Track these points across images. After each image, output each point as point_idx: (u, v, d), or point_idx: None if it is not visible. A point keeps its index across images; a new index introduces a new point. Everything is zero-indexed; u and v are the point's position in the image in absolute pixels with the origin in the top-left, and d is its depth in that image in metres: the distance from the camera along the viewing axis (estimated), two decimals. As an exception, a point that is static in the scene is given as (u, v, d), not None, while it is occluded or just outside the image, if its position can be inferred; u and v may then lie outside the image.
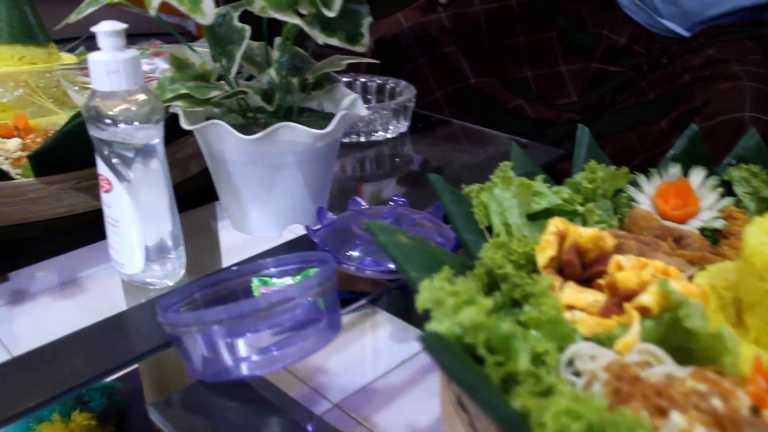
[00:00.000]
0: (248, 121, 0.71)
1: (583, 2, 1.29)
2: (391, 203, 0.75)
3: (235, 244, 0.73)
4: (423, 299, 0.41)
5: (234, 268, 0.59)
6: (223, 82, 0.70)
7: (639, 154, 1.08)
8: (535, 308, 0.42)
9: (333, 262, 0.53)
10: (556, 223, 0.49)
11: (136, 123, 0.57)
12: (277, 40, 0.75)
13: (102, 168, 0.59)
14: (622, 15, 1.23)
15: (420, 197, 0.78)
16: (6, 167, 0.74)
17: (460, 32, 1.31)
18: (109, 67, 0.55)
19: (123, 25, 0.56)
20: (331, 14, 0.58)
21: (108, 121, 0.56)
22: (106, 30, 0.55)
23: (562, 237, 0.48)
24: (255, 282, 0.59)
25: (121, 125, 0.56)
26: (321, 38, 0.60)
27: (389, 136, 1.01)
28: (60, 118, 0.82)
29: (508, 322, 0.39)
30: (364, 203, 0.75)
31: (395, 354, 0.61)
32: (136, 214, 0.59)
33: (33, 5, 0.86)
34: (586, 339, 0.39)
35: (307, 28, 0.59)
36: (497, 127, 1.10)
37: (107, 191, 0.60)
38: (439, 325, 0.39)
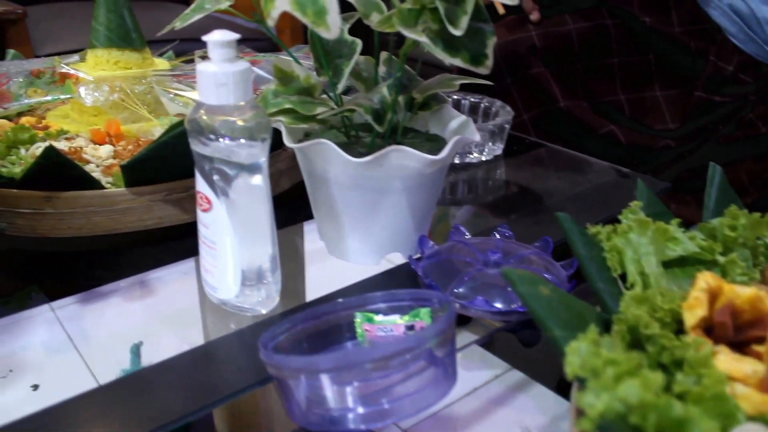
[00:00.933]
0: (351, 140, 0.66)
1: (687, 25, 1.20)
2: (496, 234, 0.69)
3: (330, 270, 0.68)
4: (573, 365, 0.36)
5: (340, 300, 0.53)
6: (325, 96, 0.65)
7: (750, 192, 1.00)
8: (692, 378, 0.36)
9: (453, 306, 0.48)
10: (706, 279, 0.42)
11: (242, 140, 0.52)
12: (383, 55, 0.70)
13: (201, 185, 0.55)
14: (730, 43, 1.15)
15: (521, 227, 0.72)
16: (97, 175, 0.70)
17: (551, 52, 1.24)
18: (218, 79, 0.51)
19: (235, 36, 0.51)
20: (457, 32, 0.53)
21: (212, 136, 0.52)
22: (218, 40, 0.50)
23: (713, 294, 0.42)
24: (358, 317, 0.54)
25: (226, 141, 0.52)
26: (444, 57, 0.54)
27: (484, 158, 0.95)
28: (151, 126, 0.78)
29: (681, 403, 0.33)
30: (467, 233, 0.69)
31: (466, 381, 0.55)
32: (236, 236, 0.55)
33: (131, 9, 0.83)
34: (751, 418, 0.34)
35: (430, 47, 0.53)
36: (586, 152, 1.03)
37: (206, 210, 0.55)
38: (596, 400, 0.33)
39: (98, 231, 0.69)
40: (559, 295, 0.42)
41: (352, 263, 0.67)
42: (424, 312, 0.53)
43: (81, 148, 0.73)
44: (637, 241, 0.50)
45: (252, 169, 0.54)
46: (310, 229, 0.75)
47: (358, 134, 0.67)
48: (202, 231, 0.57)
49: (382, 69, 0.70)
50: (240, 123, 0.52)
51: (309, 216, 0.70)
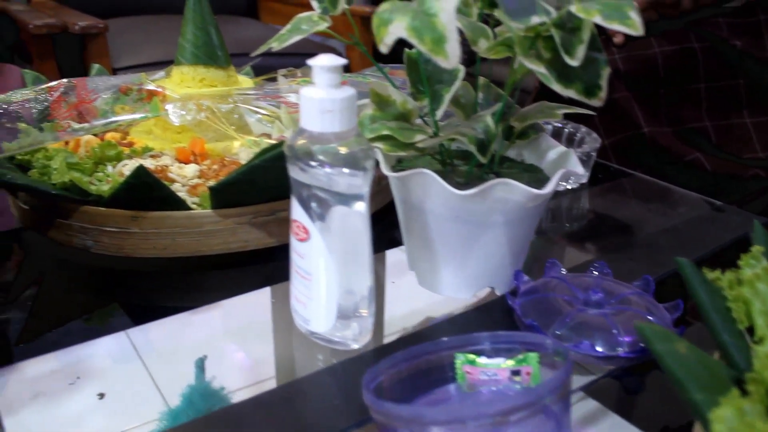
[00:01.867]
0: (446, 168, 0.64)
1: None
2: (594, 271, 0.66)
3: (419, 302, 0.65)
4: (722, 436, 0.33)
5: (444, 339, 0.51)
6: (420, 122, 0.63)
7: None
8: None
9: (571, 355, 0.45)
10: None
11: (344, 169, 0.50)
12: (480, 81, 0.68)
13: (299, 214, 0.53)
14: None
15: (616, 263, 0.68)
16: (183, 194, 0.69)
17: (635, 76, 1.20)
18: (324, 106, 0.49)
19: (342, 61, 0.49)
20: (574, 63, 0.50)
21: (313, 163, 0.50)
22: (324, 65, 0.49)
23: None
24: (460, 358, 0.51)
25: (328, 170, 0.50)
26: (558, 88, 0.51)
27: (569, 186, 0.91)
28: (236, 145, 0.77)
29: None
30: (563, 268, 0.66)
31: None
32: (333, 268, 0.53)
33: (218, 27, 0.82)
34: None
35: (545, 77, 0.51)
36: (670, 180, 0.99)
37: (302, 240, 0.53)
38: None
39: (182, 252, 0.68)
40: (696, 353, 0.39)
41: (443, 296, 0.64)
42: (532, 357, 0.50)
43: (167, 166, 0.72)
44: (766, 292, 0.46)
45: (353, 199, 0.52)
46: (395, 259, 0.73)
47: (453, 162, 0.65)
48: (296, 260, 0.55)
49: (480, 96, 0.67)
50: (343, 151, 0.50)
51: (392, 243, 0.68)
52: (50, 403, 0.51)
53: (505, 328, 0.60)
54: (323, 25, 0.60)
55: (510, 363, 0.50)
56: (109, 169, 0.72)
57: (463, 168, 0.64)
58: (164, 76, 0.84)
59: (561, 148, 0.65)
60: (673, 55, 1.19)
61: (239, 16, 2.17)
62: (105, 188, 0.67)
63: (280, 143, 0.63)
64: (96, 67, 0.98)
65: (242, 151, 0.77)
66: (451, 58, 0.45)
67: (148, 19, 2.02)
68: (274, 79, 0.91)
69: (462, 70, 0.60)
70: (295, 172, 0.52)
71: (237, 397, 0.51)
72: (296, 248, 0.54)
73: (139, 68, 1.66)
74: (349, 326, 0.55)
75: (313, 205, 0.52)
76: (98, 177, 0.71)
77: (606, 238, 0.82)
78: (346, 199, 0.51)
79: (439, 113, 0.60)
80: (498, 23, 0.58)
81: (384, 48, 0.46)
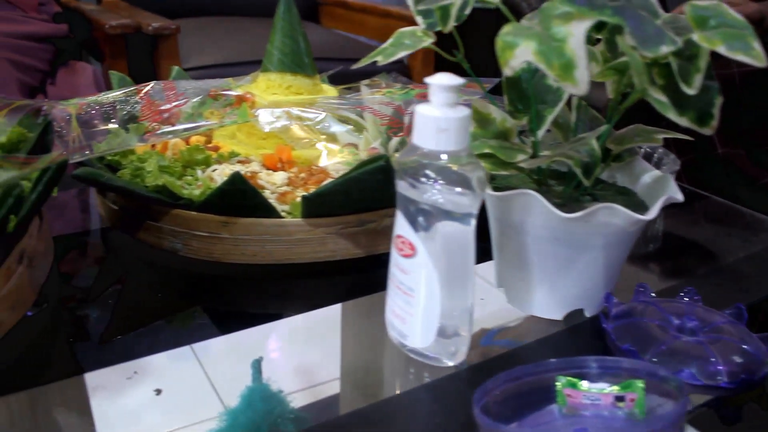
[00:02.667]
0: (542, 188, 0.64)
1: None
2: (684, 297, 0.66)
3: (505, 320, 0.65)
4: None
5: (551, 361, 0.51)
6: (518, 141, 0.63)
7: None
8: None
9: (686, 388, 0.45)
10: None
11: (457, 188, 0.50)
12: (574, 102, 0.68)
13: (405, 229, 0.54)
14: None
15: (704, 289, 0.67)
16: (272, 202, 0.70)
17: (710, 95, 1.19)
18: (440, 124, 0.50)
19: (460, 80, 0.50)
20: (691, 91, 0.50)
21: (425, 180, 0.51)
22: (442, 84, 0.49)
23: None
24: (561, 380, 0.52)
25: (440, 188, 0.50)
26: (672, 116, 0.52)
27: (648, 208, 0.91)
28: (322, 153, 0.78)
29: None
30: (652, 292, 0.66)
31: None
32: (438, 286, 0.53)
33: (305, 35, 0.83)
34: None
35: (662, 104, 0.51)
36: (742, 202, 0.98)
37: (407, 256, 0.54)
38: None
39: (271, 260, 0.69)
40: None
41: (533, 315, 0.65)
42: (638, 384, 0.50)
43: (256, 173, 0.73)
44: None
45: (462, 217, 0.52)
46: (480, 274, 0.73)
47: (547, 182, 0.65)
48: (398, 276, 0.56)
49: (573, 116, 0.68)
50: (456, 170, 0.50)
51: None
52: (108, 397, 0.52)
53: (596, 351, 0.61)
54: (428, 41, 0.60)
55: (615, 389, 0.50)
56: (199, 173, 0.73)
57: (558, 188, 0.65)
58: (250, 81, 0.86)
59: (656, 173, 0.65)
60: (752, 75, 1.18)
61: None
62: (196, 192, 0.68)
63: (380, 157, 0.64)
64: (175, 69, 1.00)
65: (329, 160, 0.78)
66: (580, 84, 0.45)
67: (215, 20, 2.05)
68: (354, 89, 0.92)
69: (567, 92, 0.60)
70: (403, 188, 0.53)
71: (297, 401, 0.51)
72: (399, 263, 0.55)
73: (206, 69, 1.69)
74: (446, 344, 0.56)
75: (421, 221, 0.53)
76: (188, 180, 0.72)
77: (688, 263, 0.82)
78: (455, 217, 0.52)
79: (541, 133, 0.61)
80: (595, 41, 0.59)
81: (509, 71, 0.47)
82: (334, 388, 0.55)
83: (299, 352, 0.60)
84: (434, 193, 0.51)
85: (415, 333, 0.56)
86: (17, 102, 0.72)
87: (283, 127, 0.75)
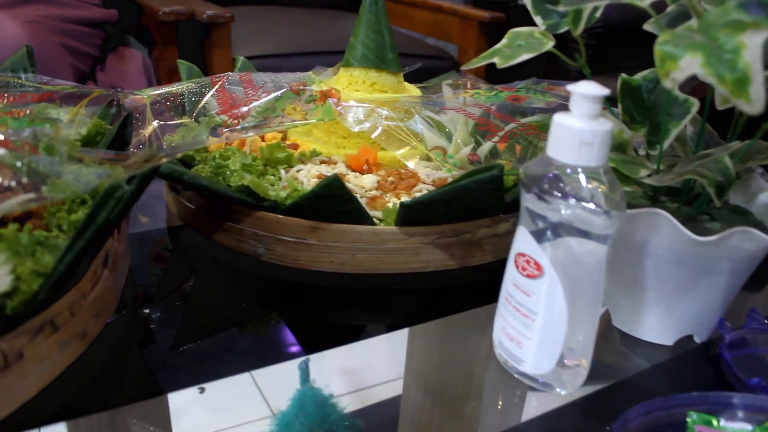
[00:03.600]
0: (656, 205, 0.60)
1: None
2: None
3: (609, 342, 0.62)
4: None
5: (694, 394, 0.47)
6: (636, 155, 0.60)
7: None
8: None
9: None
10: None
11: (596, 207, 0.47)
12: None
13: (530, 247, 0.50)
14: None
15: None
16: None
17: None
18: (584, 137, 0.46)
19: (606, 91, 0.46)
20: None
21: (559, 196, 0.47)
22: (587, 93, 0.46)
23: None
24: (693, 416, 0.48)
25: (577, 206, 0.47)
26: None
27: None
28: (411, 153, 0.75)
29: None
30: (766, 318, 0.62)
31: None
32: (567, 311, 0.49)
33: (390, 29, 0.79)
34: None
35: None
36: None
37: (532, 276, 0.50)
38: None
39: (360, 269, 0.65)
40: None
41: (640, 338, 0.61)
42: (790, 430, 0.46)
43: (344, 175, 0.70)
44: None
45: (597, 239, 0.48)
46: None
47: (660, 198, 0.62)
48: (517, 296, 0.52)
49: (690, 130, 0.64)
50: (597, 188, 0.47)
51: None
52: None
53: (711, 381, 0.57)
54: (549, 44, 0.56)
55: (757, 430, 0.47)
56: (282, 173, 0.70)
57: (672, 205, 0.61)
58: (330, 75, 0.82)
59: (771, 192, 0.62)
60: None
61: (342, 11, 2.16)
62: (283, 194, 0.64)
63: (494, 166, 0.60)
64: (241, 59, 0.96)
65: (416, 163, 0.75)
66: (755, 102, 0.41)
67: (267, 9, 2.01)
68: (434, 88, 0.88)
69: (695, 104, 0.56)
70: (530, 202, 0.49)
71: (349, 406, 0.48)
72: (520, 283, 0.51)
73: (258, 59, 1.65)
74: (564, 372, 0.52)
75: (549, 239, 0.49)
76: (270, 181, 0.68)
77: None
78: (590, 238, 0.48)
79: (664, 147, 0.57)
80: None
81: (670, 83, 0.43)
82: (426, 411, 0.52)
83: (389, 370, 0.57)
84: (570, 211, 0.47)
85: (532, 358, 0.52)
86: (97, 91, 0.68)
87: (372, 127, 0.71)
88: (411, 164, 0.74)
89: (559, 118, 0.47)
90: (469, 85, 0.84)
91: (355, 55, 0.79)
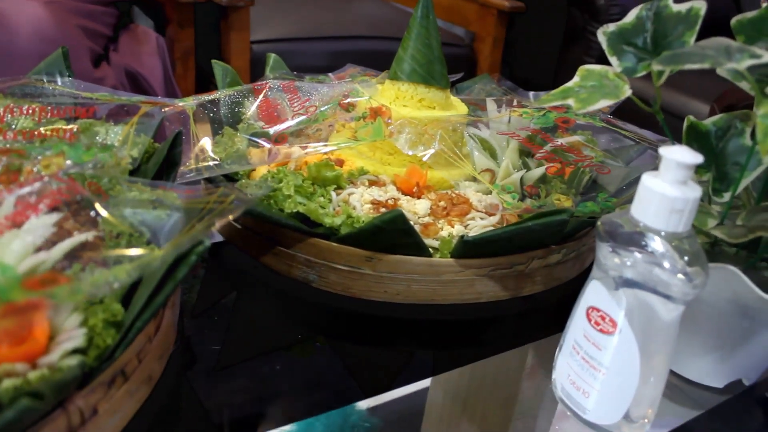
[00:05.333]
0: (715, 249, 0.61)
1: None
2: None
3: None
4: None
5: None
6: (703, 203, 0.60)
7: None
8: None
9: None
10: None
11: (684, 275, 0.47)
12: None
13: (605, 303, 0.51)
14: None
15: None
16: (414, 236, 0.67)
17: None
18: (675, 205, 0.46)
19: (699, 159, 0.46)
20: None
21: (642, 257, 0.48)
22: (681, 160, 0.46)
23: None
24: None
25: (661, 270, 0.47)
26: None
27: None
28: (459, 174, 0.75)
29: None
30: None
31: None
32: (639, 368, 0.51)
33: (440, 41, 0.79)
34: None
35: None
36: None
37: (606, 332, 0.51)
38: None
39: (414, 300, 0.66)
40: None
41: (693, 380, 0.62)
42: None
43: (397, 200, 0.70)
44: None
45: (675, 301, 0.49)
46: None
47: (718, 242, 0.63)
48: (587, 348, 0.53)
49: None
50: (684, 255, 0.47)
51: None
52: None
53: (761, 423, 0.59)
54: (626, 92, 0.56)
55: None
56: (333, 196, 0.69)
57: (728, 250, 0.62)
58: (374, 86, 0.81)
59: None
60: None
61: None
62: (338, 221, 0.65)
63: (563, 210, 0.60)
64: (273, 57, 0.95)
65: (465, 186, 0.75)
66: None
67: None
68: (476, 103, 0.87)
69: (770, 158, 0.57)
70: (608, 257, 0.50)
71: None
72: (591, 337, 0.52)
73: (274, 43, 1.62)
74: (629, 425, 0.54)
75: (627, 298, 0.50)
76: (321, 203, 0.68)
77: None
78: (668, 301, 0.49)
79: (729, 197, 0.58)
80: None
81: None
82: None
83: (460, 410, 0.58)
84: (653, 274, 0.48)
85: (597, 409, 0.54)
86: (145, 106, 0.67)
87: (429, 150, 0.71)
88: (466, 188, 0.75)
89: (649, 182, 0.47)
90: (515, 102, 0.84)
91: (404, 69, 0.78)
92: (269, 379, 0.57)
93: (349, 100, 0.75)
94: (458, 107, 0.82)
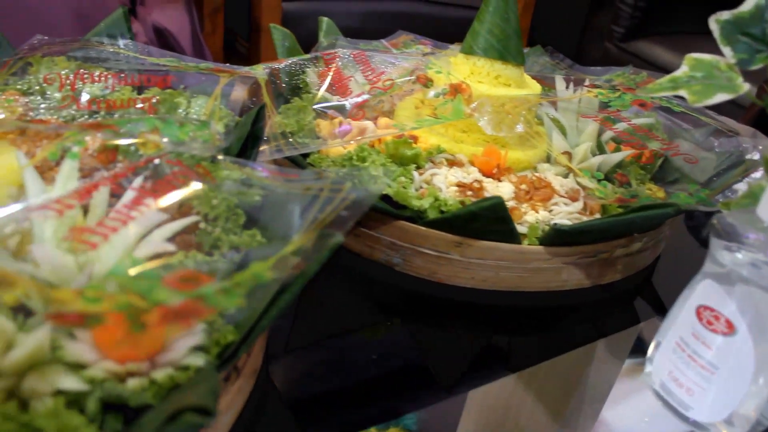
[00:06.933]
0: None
1: None
2: None
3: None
4: None
5: None
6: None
7: None
8: None
9: None
10: None
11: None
12: None
13: (721, 303, 0.51)
14: None
15: None
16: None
17: None
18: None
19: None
20: None
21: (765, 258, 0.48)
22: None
23: None
24: None
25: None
26: None
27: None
28: (535, 155, 0.74)
29: None
30: None
31: None
32: (752, 371, 0.51)
33: (518, 17, 0.77)
34: None
35: None
36: None
37: (719, 332, 0.51)
38: None
39: (501, 287, 0.66)
40: None
41: None
42: None
43: (481, 182, 0.69)
44: None
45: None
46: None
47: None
48: (696, 348, 0.53)
49: None
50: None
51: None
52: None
53: None
54: (742, 87, 0.55)
55: None
56: (415, 176, 0.68)
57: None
58: (445, 58, 0.80)
59: None
60: None
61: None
62: (426, 205, 0.64)
63: (669, 204, 0.60)
64: (325, 21, 0.93)
65: (544, 168, 0.74)
66: None
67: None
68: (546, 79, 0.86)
69: None
70: (724, 255, 0.50)
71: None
72: (702, 336, 0.53)
73: (306, 1, 1.57)
74: (729, 425, 0.54)
75: (745, 299, 0.50)
76: (402, 183, 0.67)
77: None
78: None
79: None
80: None
81: None
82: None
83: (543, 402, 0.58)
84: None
85: (702, 408, 0.54)
86: (225, 75, 0.65)
87: (513, 133, 0.70)
88: (547, 171, 0.74)
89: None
90: (587, 82, 0.83)
91: (478, 42, 0.77)
92: (341, 364, 0.58)
93: (426, 78, 0.73)
94: (532, 85, 0.80)
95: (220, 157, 0.53)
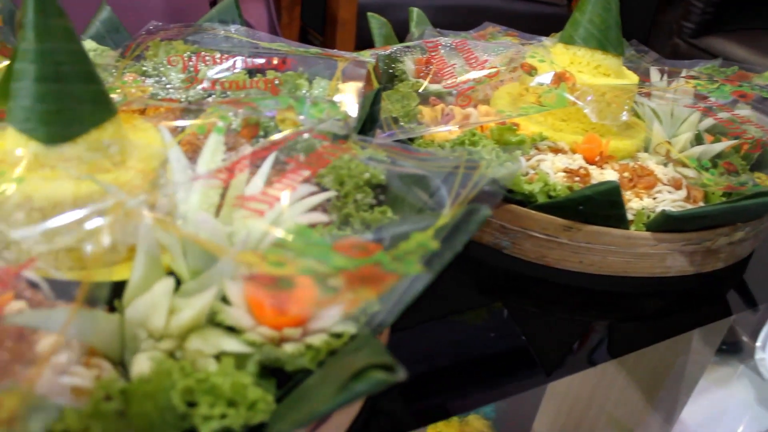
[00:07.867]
0: None
1: None
2: None
3: None
4: None
5: None
6: None
7: None
8: None
9: None
10: None
11: None
12: None
13: None
14: None
15: None
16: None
17: None
18: None
19: None
20: None
21: None
22: None
23: None
24: None
25: None
26: None
27: None
28: (633, 145, 0.76)
29: None
30: None
31: None
32: None
33: (619, 6, 0.79)
34: None
35: None
36: None
37: None
38: None
39: (608, 271, 0.68)
40: None
41: None
42: None
43: (587, 169, 0.71)
44: None
45: None
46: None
47: None
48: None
49: None
50: None
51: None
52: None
53: None
54: None
55: None
56: (522, 161, 0.71)
57: None
58: (546, 47, 0.82)
59: None
60: None
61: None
62: (537, 189, 0.66)
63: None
64: (416, 12, 0.95)
65: (647, 158, 0.76)
66: None
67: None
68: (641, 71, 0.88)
69: None
70: None
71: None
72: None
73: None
74: None
75: None
76: (506, 165, 0.69)
77: None
78: None
79: None
80: None
81: None
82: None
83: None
84: None
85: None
86: (343, 59, 0.68)
87: (620, 123, 0.72)
88: (648, 160, 0.76)
89: None
90: (684, 73, 0.85)
91: (578, 32, 0.79)
92: (446, 346, 0.59)
93: (531, 67, 0.75)
94: (629, 76, 0.82)
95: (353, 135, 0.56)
